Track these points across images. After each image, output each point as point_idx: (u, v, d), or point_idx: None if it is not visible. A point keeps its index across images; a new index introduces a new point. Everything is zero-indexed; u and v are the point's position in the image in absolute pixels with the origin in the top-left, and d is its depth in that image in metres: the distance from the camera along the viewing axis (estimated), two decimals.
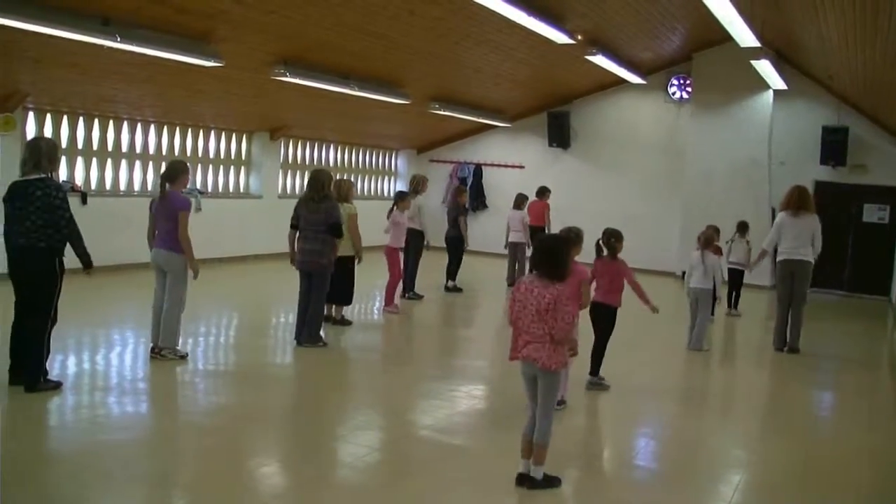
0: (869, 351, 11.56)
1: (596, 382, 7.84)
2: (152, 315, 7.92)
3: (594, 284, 7.67)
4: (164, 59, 10.29)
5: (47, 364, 6.67)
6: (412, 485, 5.31)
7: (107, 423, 6.11)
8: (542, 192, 15.30)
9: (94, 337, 8.78)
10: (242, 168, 16.00)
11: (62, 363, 7.52)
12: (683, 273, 12.80)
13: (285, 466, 5.57)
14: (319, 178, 8.95)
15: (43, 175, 6.48)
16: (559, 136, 18.72)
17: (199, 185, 14.97)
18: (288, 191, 17.03)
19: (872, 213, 16.58)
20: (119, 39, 9.24)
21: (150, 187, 14.08)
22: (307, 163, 17.64)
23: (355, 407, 7.19)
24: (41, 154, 6.50)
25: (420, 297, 12.36)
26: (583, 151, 18.84)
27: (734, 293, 13.20)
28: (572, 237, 6.70)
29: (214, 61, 10.60)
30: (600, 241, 7.81)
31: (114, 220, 12.50)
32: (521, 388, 5.38)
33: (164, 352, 7.76)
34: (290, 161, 17.18)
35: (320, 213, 8.78)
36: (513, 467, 5.30)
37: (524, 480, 5.21)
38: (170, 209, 7.70)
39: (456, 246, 13.48)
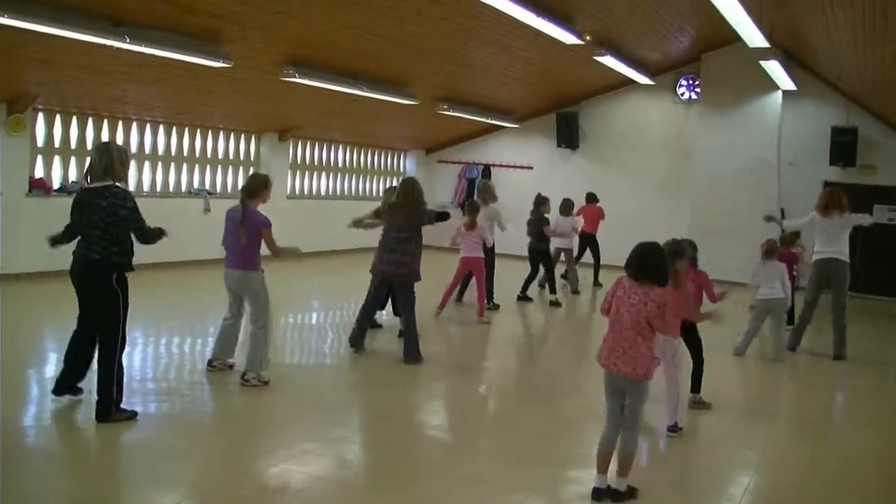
0: (879, 352, 11.50)
1: (696, 401, 7.49)
2: (220, 329, 7.64)
3: None
4: (173, 59, 10.32)
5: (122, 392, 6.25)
6: (419, 485, 5.32)
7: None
8: (593, 198, 15.46)
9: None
10: (251, 169, 16.02)
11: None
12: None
13: (293, 466, 5.58)
14: (407, 188, 8.78)
15: (110, 182, 6.02)
16: (568, 136, 18.70)
17: (207, 186, 15.02)
18: (297, 192, 17.06)
19: (882, 214, 16.48)
20: (128, 40, 9.27)
21: (159, 188, 14.14)
22: (316, 163, 17.68)
23: (362, 407, 7.19)
24: (112, 158, 6.04)
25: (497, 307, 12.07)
26: (591, 152, 18.82)
27: None
28: (678, 247, 6.55)
29: (223, 62, 10.62)
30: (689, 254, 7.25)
31: None
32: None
33: (247, 376, 7.24)
34: (298, 162, 17.21)
35: (402, 218, 8.55)
36: (518, 468, 5.30)
37: (602, 494, 5.07)
38: (249, 226, 7.21)
39: (539, 258, 12.99)
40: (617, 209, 16.50)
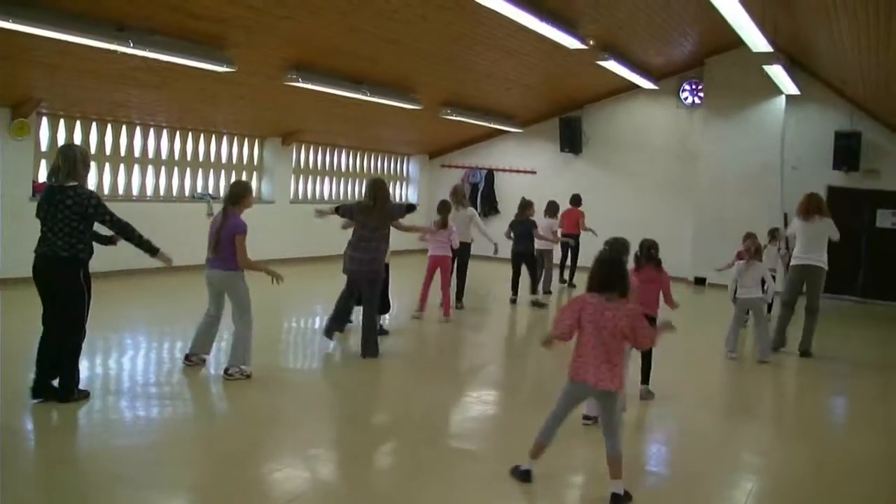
0: (883, 356, 11.49)
1: (647, 391, 7.78)
2: (200, 324, 7.81)
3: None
4: (177, 64, 10.34)
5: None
6: (425, 489, 5.31)
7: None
8: (577, 200, 15.45)
9: (109, 342, 8.80)
10: (255, 173, 16.05)
11: (90, 370, 7.57)
12: (691, 279, 12.82)
13: (296, 471, 5.57)
14: (376, 189, 8.87)
15: (75, 183, 6.32)
16: (571, 141, 18.69)
17: (211, 191, 15.03)
18: (300, 196, 17.07)
19: (886, 219, 16.48)
20: (133, 45, 9.28)
21: (162, 192, 14.15)
22: (319, 168, 17.68)
23: (369, 410, 7.19)
24: (76, 160, 6.34)
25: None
26: (594, 157, 18.81)
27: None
28: (622, 248, 7.03)
29: (227, 67, 10.64)
30: (639, 253, 7.82)
31: None
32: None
33: (231, 370, 7.47)
34: (302, 166, 17.21)
35: (377, 219, 8.76)
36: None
37: (529, 476, 5.30)
38: (228, 230, 7.50)
39: (524, 260, 13.06)
40: (620, 214, 16.49)
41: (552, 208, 14.44)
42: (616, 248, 6.92)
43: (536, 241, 13.29)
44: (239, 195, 7.73)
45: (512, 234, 12.97)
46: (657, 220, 17.36)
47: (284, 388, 7.57)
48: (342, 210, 9.13)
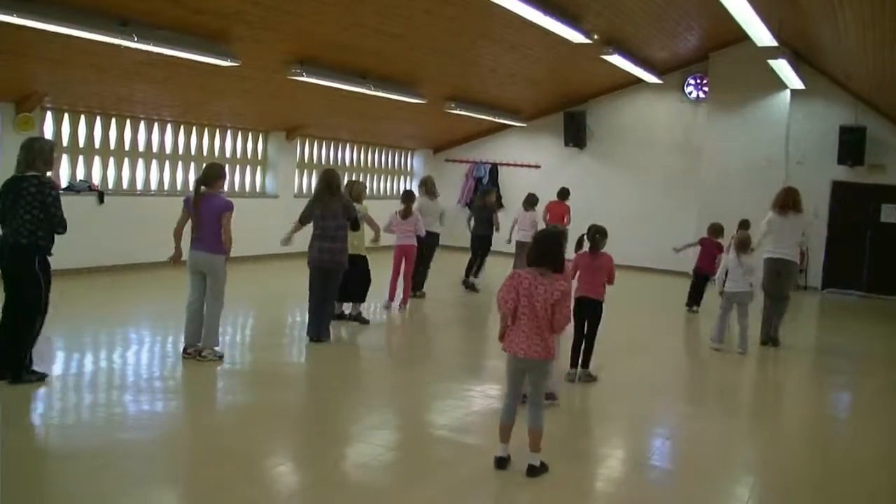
0: (887, 352, 11.48)
1: (588, 375, 8.03)
2: (186, 315, 7.88)
3: (576, 278, 7.88)
4: (181, 58, 10.34)
5: (36, 355, 6.77)
6: (427, 484, 5.32)
7: (135, 421, 6.15)
8: (564, 194, 15.34)
9: (114, 336, 8.83)
10: (259, 168, 16.06)
11: (80, 361, 7.60)
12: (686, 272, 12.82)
13: (300, 466, 5.59)
14: (329, 177, 9.04)
15: (38, 173, 6.54)
16: (575, 135, 18.67)
17: None
18: (304, 190, 17.06)
19: (891, 213, 16.44)
20: (136, 39, 9.30)
21: (167, 186, 14.17)
22: (323, 162, 17.69)
23: (369, 406, 7.20)
24: (34, 154, 6.55)
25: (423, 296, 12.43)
26: (599, 151, 18.79)
27: None
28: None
29: (231, 61, 10.65)
30: (584, 237, 8.00)
31: (130, 219, 12.61)
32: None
33: (204, 352, 7.75)
34: (306, 161, 17.22)
35: (338, 207, 8.87)
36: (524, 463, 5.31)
37: (505, 463, 5.45)
38: (214, 211, 7.61)
39: (483, 244, 13.70)
40: (624, 208, 16.49)
41: (531, 200, 14.42)
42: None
43: (519, 233, 13.98)
44: (214, 175, 7.82)
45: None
46: (661, 215, 17.38)
47: (279, 381, 7.59)
48: (302, 218, 9.17)
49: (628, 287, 11.55)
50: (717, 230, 12.88)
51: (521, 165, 19.67)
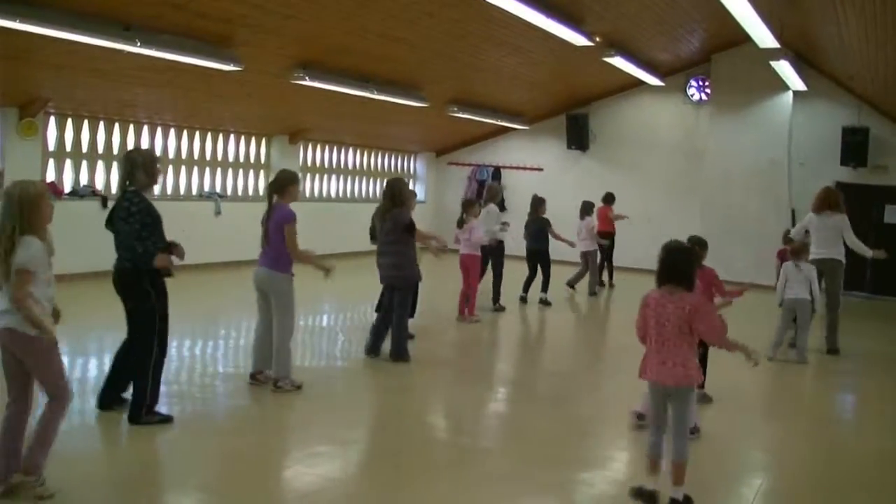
0: (892, 353, 11.44)
1: (704, 396, 7.49)
2: (254, 338, 7.43)
3: None
4: (184, 63, 10.37)
5: (158, 398, 6.26)
6: (435, 487, 5.33)
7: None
8: (609, 199, 15.58)
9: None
10: (262, 171, 16.07)
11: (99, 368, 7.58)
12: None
13: (308, 468, 5.58)
14: (394, 187, 8.67)
15: (134, 188, 6.01)
16: (578, 138, 18.68)
17: (218, 189, 15.07)
18: (307, 195, 17.08)
19: (894, 215, 16.42)
20: (139, 45, 9.31)
21: (170, 191, 14.19)
22: (326, 166, 17.71)
23: (379, 410, 7.20)
24: (135, 166, 6.01)
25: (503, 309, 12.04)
26: (601, 153, 18.79)
27: None
28: (696, 246, 6.50)
29: (234, 65, 10.66)
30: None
31: None
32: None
33: (280, 383, 7.14)
34: (309, 164, 17.24)
35: (388, 222, 8.52)
36: (535, 469, 5.30)
37: (643, 495, 5.06)
38: (276, 222, 7.12)
39: (541, 259, 12.94)
40: (627, 210, 16.44)
41: (586, 208, 14.47)
42: (692, 240, 6.60)
43: (582, 241, 13.80)
44: (282, 183, 7.31)
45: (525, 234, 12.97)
46: (664, 217, 17.36)
47: (303, 387, 7.49)
48: (371, 234, 9.10)
49: (633, 291, 11.49)
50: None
51: (524, 168, 19.67)
